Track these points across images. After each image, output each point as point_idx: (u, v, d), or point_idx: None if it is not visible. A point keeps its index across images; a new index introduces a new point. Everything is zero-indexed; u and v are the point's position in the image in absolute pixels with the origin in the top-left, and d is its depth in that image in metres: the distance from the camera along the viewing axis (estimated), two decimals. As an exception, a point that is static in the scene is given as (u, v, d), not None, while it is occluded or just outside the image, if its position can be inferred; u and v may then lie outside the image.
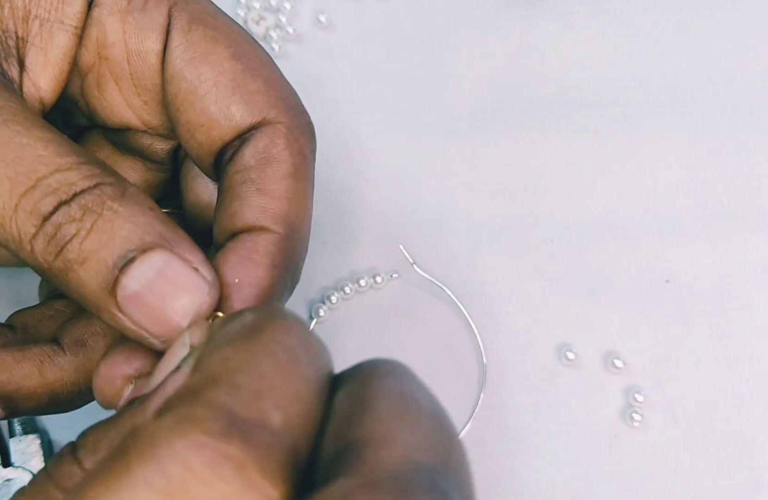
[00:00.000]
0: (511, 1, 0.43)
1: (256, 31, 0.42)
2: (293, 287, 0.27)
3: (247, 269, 0.25)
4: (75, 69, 0.28)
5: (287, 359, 0.20)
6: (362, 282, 0.37)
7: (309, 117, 0.29)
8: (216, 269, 0.24)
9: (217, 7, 0.30)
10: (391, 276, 0.38)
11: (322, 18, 0.42)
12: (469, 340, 0.37)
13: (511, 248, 0.38)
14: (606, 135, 0.40)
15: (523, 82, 0.41)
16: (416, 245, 0.38)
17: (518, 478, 0.35)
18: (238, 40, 0.28)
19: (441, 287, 0.37)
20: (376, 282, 0.37)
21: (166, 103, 0.28)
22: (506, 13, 0.43)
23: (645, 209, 0.39)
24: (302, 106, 0.29)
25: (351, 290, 0.37)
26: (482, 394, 0.36)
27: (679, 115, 0.41)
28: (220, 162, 0.28)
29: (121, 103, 0.29)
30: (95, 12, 0.27)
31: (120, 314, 0.23)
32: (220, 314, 0.24)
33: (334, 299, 0.37)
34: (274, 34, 0.42)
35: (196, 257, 0.23)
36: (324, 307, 0.37)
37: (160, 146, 0.31)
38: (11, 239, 0.23)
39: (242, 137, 0.27)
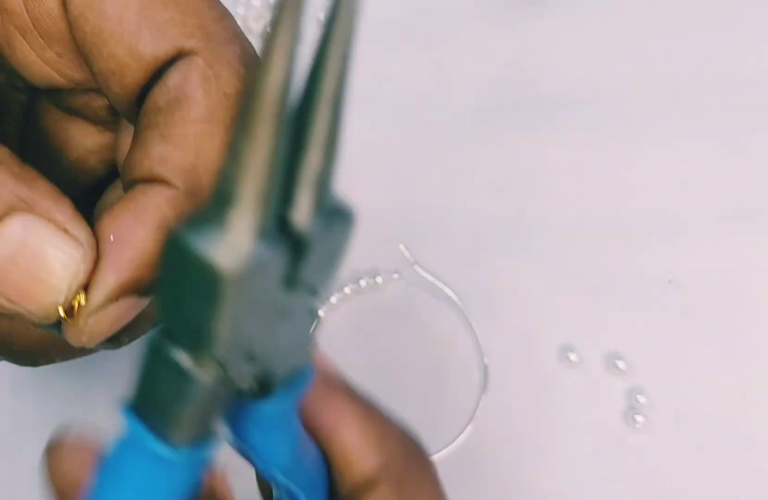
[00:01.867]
0: (513, -2, 0.43)
1: (256, 29, 0.42)
2: None
3: (127, 227, 0.21)
4: None
5: None
6: (362, 282, 0.37)
7: (241, 46, 0.24)
8: (98, 225, 0.21)
9: None
10: (392, 277, 0.38)
11: (322, 16, 0.42)
12: (469, 341, 0.37)
13: (513, 248, 0.38)
14: (609, 134, 0.40)
15: (526, 80, 0.41)
16: (417, 245, 0.38)
17: (519, 480, 0.35)
18: None
19: (442, 288, 0.37)
20: (376, 282, 0.37)
21: (86, 62, 0.24)
22: (509, 11, 0.43)
23: (648, 209, 0.39)
24: (232, 32, 0.24)
25: (351, 290, 0.37)
26: (483, 395, 0.36)
27: (683, 113, 0.41)
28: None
29: (35, 59, 0.25)
30: None
31: None
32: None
33: (333, 299, 0.37)
34: (274, 32, 0.42)
35: (64, 214, 0.20)
36: (324, 307, 0.37)
37: (97, 103, 0.27)
38: None
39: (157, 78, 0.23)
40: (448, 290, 0.37)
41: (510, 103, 0.41)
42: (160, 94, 0.22)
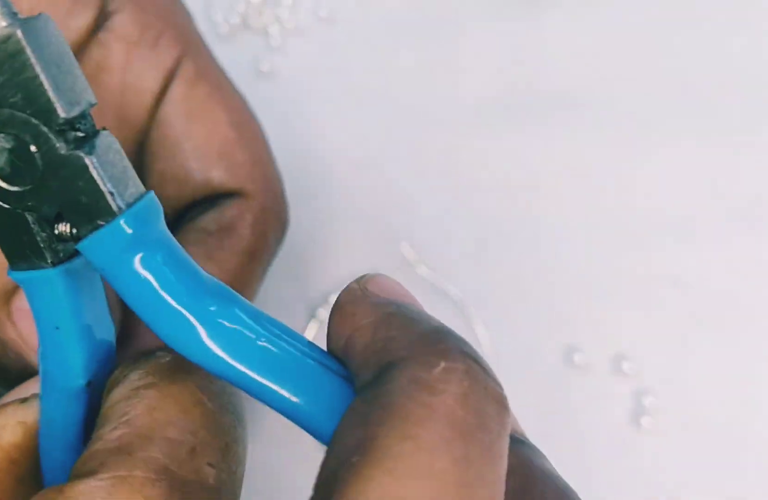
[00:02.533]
0: (517, -6, 0.43)
1: (256, 25, 0.42)
2: None
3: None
4: None
5: (215, 408, 0.19)
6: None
7: (286, 208, 0.29)
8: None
9: (219, 65, 0.30)
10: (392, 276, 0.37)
11: (323, 12, 0.42)
12: (472, 342, 0.37)
13: (517, 248, 0.38)
14: (615, 133, 0.40)
15: (529, 79, 0.41)
16: (419, 245, 0.38)
17: (524, 484, 0.35)
18: (238, 108, 0.28)
19: (443, 288, 0.37)
20: (377, 282, 0.37)
21: (143, 145, 0.28)
22: (512, 11, 0.42)
23: (655, 210, 0.39)
24: (284, 194, 0.29)
25: (351, 290, 0.37)
26: (487, 398, 0.36)
27: (689, 113, 0.41)
28: (181, 220, 0.28)
29: None
30: (102, 35, 0.27)
31: (8, 323, 0.22)
32: None
33: (333, 299, 0.37)
34: (274, 28, 0.42)
35: None
36: (323, 307, 0.37)
37: None
38: None
39: (213, 202, 0.27)
40: (449, 291, 0.37)
41: (514, 102, 0.41)
42: (213, 219, 0.26)
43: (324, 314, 0.37)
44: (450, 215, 0.39)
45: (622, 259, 0.38)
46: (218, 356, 0.19)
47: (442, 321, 0.38)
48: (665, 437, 0.36)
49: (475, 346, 0.37)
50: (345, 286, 0.36)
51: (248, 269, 0.26)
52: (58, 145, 0.18)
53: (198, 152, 0.27)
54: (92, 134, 0.19)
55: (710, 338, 0.37)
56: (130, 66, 0.27)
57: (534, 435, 0.35)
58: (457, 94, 0.41)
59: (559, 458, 0.35)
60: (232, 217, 0.26)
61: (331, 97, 0.41)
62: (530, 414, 0.36)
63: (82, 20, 0.26)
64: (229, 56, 0.41)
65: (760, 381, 0.37)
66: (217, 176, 0.27)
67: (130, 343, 0.25)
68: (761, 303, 0.38)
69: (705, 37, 0.42)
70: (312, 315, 0.37)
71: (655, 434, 0.36)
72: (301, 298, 0.38)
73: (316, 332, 0.37)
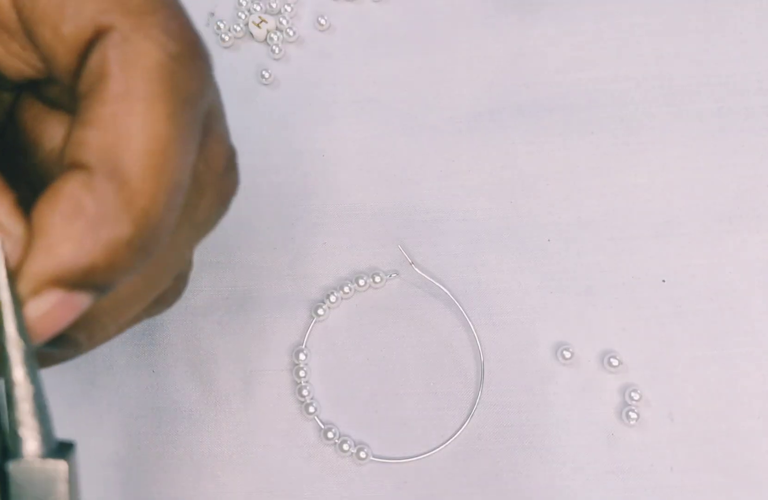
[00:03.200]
0: (509, 3, 0.43)
1: (257, 34, 0.42)
2: (141, 249, 0.20)
3: (45, 218, 0.20)
4: None
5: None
6: (361, 282, 0.38)
7: (169, 16, 0.21)
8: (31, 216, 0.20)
9: None
10: (390, 276, 0.38)
11: (323, 20, 0.42)
12: (467, 339, 0.37)
13: (509, 248, 0.39)
14: (603, 136, 0.40)
15: (521, 84, 0.42)
16: (415, 245, 0.39)
17: (515, 476, 0.36)
18: None
19: (439, 287, 0.38)
20: (375, 282, 0.38)
21: None
22: (504, 16, 0.43)
23: (642, 210, 0.39)
24: (159, 1, 0.21)
25: (350, 289, 0.38)
26: (480, 392, 0.37)
27: (676, 116, 0.41)
28: None
29: (4, 53, 0.24)
30: None
31: None
32: None
33: (333, 298, 0.38)
34: (274, 36, 0.42)
35: (1, 208, 0.20)
36: (324, 306, 0.37)
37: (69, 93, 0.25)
38: None
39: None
40: (445, 290, 0.37)
41: (506, 106, 0.41)
42: (83, 78, 0.21)
43: (324, 312, 0.38)
44: (444, 217, 0.39)
45: (610, 258, 0.38)
46: None
47: (439, 319, 0.39)
48: (652, 431, 0.36)
49: (469, 343, 0.39)
50: (344, 285, 0.37)
51: (129, 113, 0.20)
52: None
53: (45, 17, 0.21)
54: None
55: (695, 335, 0.37)
56: None
57: (524, 428, 0.36)
58: (451, 100, 0.41)
59: (549, 451, 0.36)
60: (95, 65, 0.20)
61: (330, 104, 0.41)
62: (520, 408, 0.37)
63: None
64: (232, 65, 0.42)
65: (744, 375, 0.37)
66: (66, 28, 0.21)
67: None
68: (743, 301, 0.38)
69: (692, 44, 0.42)
70: (312, 315, 0.38)
71: (642, 428, 0.36)
72: (301, 298, 0.38)
73: (316, 332, 0.38)
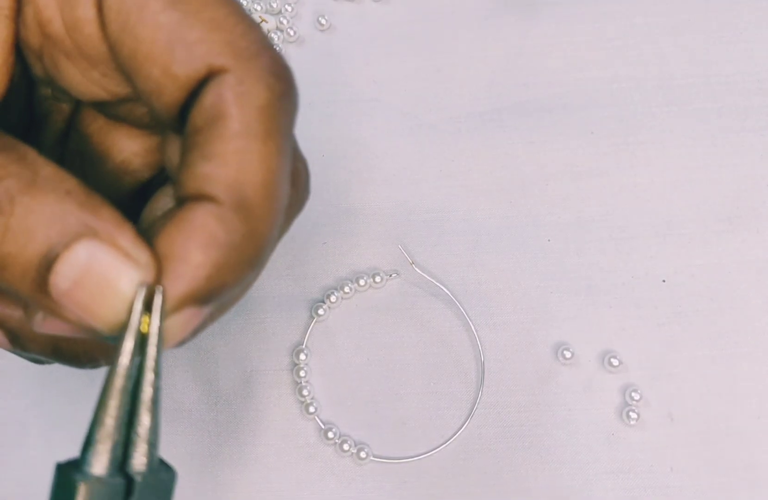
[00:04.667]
0: (509, 3, 0.43)
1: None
2: (255, 266, 0.23)
3: (180, 245, 0.22)
4: (30, 52, 0.25)
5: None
6: (362, 282, 0.38)
7: (271, 57, 0.23)
8: (154, 244, 0.22)
9: None
10: (390, 276, 0.38)
11: (323, 20, 0.43)
12: (467, 339, 0.37)
13: (509, 248, 0.39)
14: (603, 136, 0.41)
15: (521, 84, 0.42)
16: (415, 246, 0.39)
17: (516, 475, 0.36)
18: None
19: (440, 287, 0.38)
20: (375, 282, 0.38)
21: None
22: (504, 16, 0.43)
23: (642, 210, 0.39)
24: (260, 45, 0.23)
25: (351, 289, 0.38)
26: (480, 392, 0.37)
27: (675, 116, 0.41)
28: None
29: (81, 78, 0.25)
30: None
31: (59, 310, 0.22)
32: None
33: (334, 298, 0.38)
34: (275, 36, 0.42)
35: (126, 238, 0.21)
36: (324, 306, 0.38)
37: (140, 111, 0.27)
38: None
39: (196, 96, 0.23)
40: (445, 290, 0.38)
41: (506, 106, 0.41)
42: (197, 115, 0.23)
43: (325, 312, 0.38)
44: (444, 217, 0.39)
45: (610, 258, 0.38)
46: None
47: (439, 319, 0.39)
48: (652, 431, 0.36)
49: (469, 342, 0.39)
50: (345, 285, 0.37)
51: (252, 150, 0.22)
52: None
53: (152, 56, 0.23)
54: None
55: (695, 335, 0.37)
56: (60, 5, 0.24)
57: (525, 428, 0.36)
58: (451, 100, 0.41)
59: (549, 450, 0.36)
60: (211, 103, 0.22)
61: (330, 104, 0.41)
62: (520, 408, 0.37)
63: None
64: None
65: (744, 375, 0.37)
66: (178, 68, 0.23)
67: None
68: (744, 301, 0.38)
69: (691, 43, 0.42)
70: (312, 315, 0.38)
71: (642, 428, 0.36)
72: (301, 298, 0.38)
73: (316, 332, 0.38)
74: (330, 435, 0.36)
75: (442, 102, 0.41)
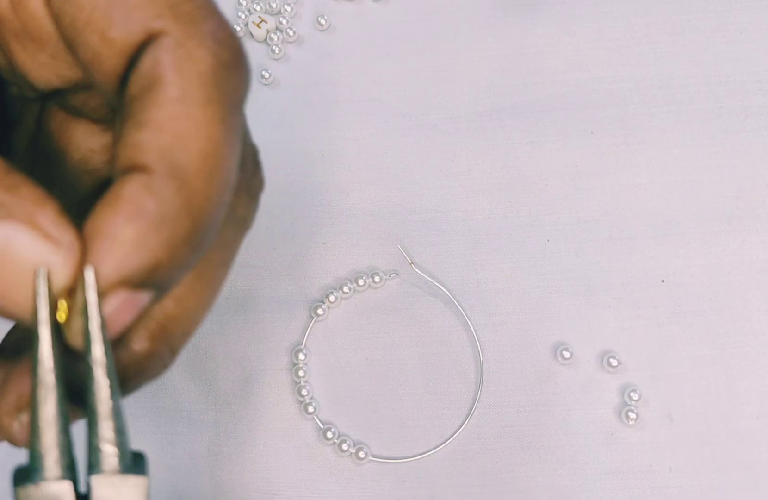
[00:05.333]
0: (509, 3, 0.43)
1: (257, 34, 0.42)
2: (193, 247, 0.21)
3: (107, 221, 0.20)
4: None
5: None
6: (361, 281, 0.38)
7: (218, 25, 0.22)
8: (85, 223, 0.20)
9: None
10: (390, 276, 0.38)
11: (322, 20, 0.43)
12: (466, 338, 0.37)
13: (508, 248, 0.39)
14: (602, 136, 0.41)
15: (521, 84, 0.42)
16: (414, 245, 0.39)
17: (515, 475, 0.36)
18: None
19: (439, 287, 0.38)
20: (374, 281, 0.38)
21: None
22: (504, 16, 0.43)
23: (641, 210, 0.39)
24: (206, 10, 0.22)
25: (350, 289, 0.38)
26: (480, 392, 0.37)
27: (676, 116, 0.41)
28: None
29: (32, 63, 0.24)
30: None
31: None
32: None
33: (333, 298, 0.38)
34: (274, 36, 0.42)
35: (47, 217, 0.20)
36: (323, 306, 0.38)
37: (95, 101, 0.26)
38: None
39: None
40: (445, 290, 0.38)
41: (506, 106, 0.41)
42: (134, 82, 0.21)
43: (324, 312, 0.38)
44: (443, 217, 0.39)
45: (609, 258, 0.38)
46: None
47: (438, 319, 0.39)
48: (651, 431, 0.36)
49: (468, 342, 0.39)
50: (344, 285, 0.37)
51: (189, 116, 0.20)
52: None
53: (91, 23, 0.21)
54: None
55: (694, 335, 0.37)
56: None
57: (523, 428, 0.36)
58: (451, 100, 0.41)
59: (548, 451, 0.36)
60: (148, 68, 0.21)
61: (330, 104, 0.41)
62: (519, 408, 0.37)
63: None
64: (231, 64, 0.42)
65: (743, 376, 0.37)
66: (116, 33, 0.21)
67: None
68: (744, 301, 0.38)
69: (691, 43, 0.42)
70: (312, 315, 0.38)
71: (641, 428, 0.36)
72: (301, 298, 0.38)
73: (316, 332, 0.38)
74: (329, 434, 0.36)
75: (442, 102, 0.41)
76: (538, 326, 0.37)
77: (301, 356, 0.37)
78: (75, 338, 0.20)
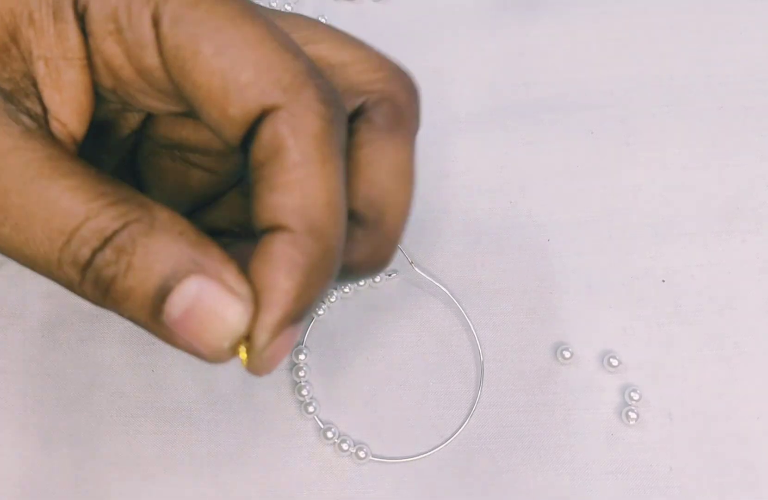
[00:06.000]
0: (509, 3, 0.43)
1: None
2: (332, 276, 0.25)
3: (267, 276, 0.24)
4: (104, 90, 0.27)
5: None
6: (361, 281, 0.38)
7: (317, 86, 0.25)
8: (249, 277, 0.25)
9: None
10: (390, 275, 0.38)
11: (323, 20, 0.43)
12: (466, 338, 0.37)
13: (508, 248, 0.39)
14: (603, 136, 0.41)
15: (521, 83, 0.42)
16: (414, 245, 0.39)
17: (515, 475, 0.36)
18: (220, 26, 0.24)
19: (439, 287, 0.38)
20: (374, 281, 0.38)
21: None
22: (504, 15, 0.43)
23: (641, 210, 0.39)
24: (304, 75, 0.25)
25: (350, 289, 0.38)
26: (480, 392, 0.37)
27: (676, 116, 0.41)
28: None
29: (157, 103, 0.27)
30: (90, 41, 0.26)
31: (171, 336, 0.24)
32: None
33: (333, 297, 0.38)
34: (274, 36, 0.42)
35: (230, 274, 0.24)
36: (324, 305, 0.38)
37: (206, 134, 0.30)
38: (64, 285, 0.25)
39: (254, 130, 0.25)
40: (445, 289, 0.38)
41: (506, 106, 0.41)
42: (258, 150, 0.25)
43: (324, 312, 0.38)
44: (443, 217, 0.39)
45: (610, 258, 0.38)
46: None
47: (438, 319, 0.39)
48: (651, 431, 0.36)
49: (468, 342, 0.39)
50: (344, 285, 0.37)
51: (313, 175, 0.24)
52: None
53: (207, 106, 0.25)
54: None
55: (695, 335, 0.37)
56: (128, 54, 0.26)
57: (524, 428, 0.36)
58: (451, 100, 0.41)
59: (548, 451, 0.36)
60: (269, 139, 0.24)
61: (330, 104, 0.41)
62: (520, 408, 0.37)
63: (73, 38, 0.26)
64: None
65: (744, 376, 0.37)
66: (234, 113, 0.25)
67: None
68: (744, 301, 0.38)
69: (691, 42, 0.42)
70: (312, 315, 0.37)
71: (642, 428, 0.36)
72: (301, 297, 0.38)
73: (316, 332, 0.38)
74: (329, 434, 0.36)
75: (441, 102, 0.41)
76: (538, 326, 0.37)
77: (302, 356, 0.37)
78: (257, 371, 0.25)
